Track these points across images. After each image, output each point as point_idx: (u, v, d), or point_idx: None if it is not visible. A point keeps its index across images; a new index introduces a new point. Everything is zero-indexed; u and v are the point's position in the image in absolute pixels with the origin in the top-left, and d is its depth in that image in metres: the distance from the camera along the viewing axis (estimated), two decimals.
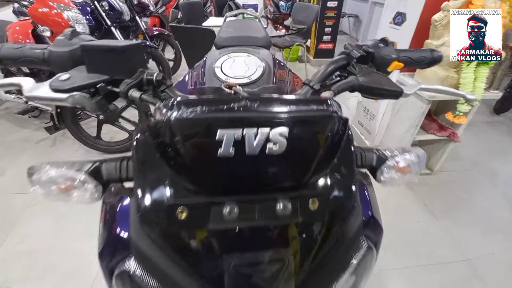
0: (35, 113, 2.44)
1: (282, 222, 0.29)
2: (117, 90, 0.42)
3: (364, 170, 0.43)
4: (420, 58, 0.59)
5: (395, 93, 0.51)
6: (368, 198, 0.38)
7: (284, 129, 0.28)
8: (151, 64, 3.02)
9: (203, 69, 0.71)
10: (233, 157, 0.27)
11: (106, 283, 0.32)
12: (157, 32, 3.24)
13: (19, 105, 2.66)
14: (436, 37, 1.48)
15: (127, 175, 0.35)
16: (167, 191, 0.28)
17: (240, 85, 0.63)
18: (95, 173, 0.34)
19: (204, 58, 0.79)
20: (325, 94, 0.47)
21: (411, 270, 1.44)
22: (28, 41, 1.82)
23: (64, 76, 0.42)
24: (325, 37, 3.96)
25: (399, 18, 1.70)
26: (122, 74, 0.42)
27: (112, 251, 0.30)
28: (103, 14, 2.47)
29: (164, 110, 0.29)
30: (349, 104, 2.77)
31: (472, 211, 1.78)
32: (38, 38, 1.83)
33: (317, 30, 3.90)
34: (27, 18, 1.98)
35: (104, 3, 2.52)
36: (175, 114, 0.28)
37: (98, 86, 0.42)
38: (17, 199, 1.79)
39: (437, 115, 1.89)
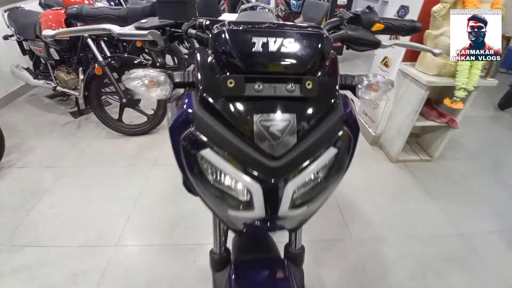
0: (63, 97, 2.64)
1: (289, 95, 0.44)
2: (179, 30, 0.59)
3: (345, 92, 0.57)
4: (401, 26, 0.72)
5: (375, 43, 0.65)
6: (348, 103, 0.51)
7: (292, 39, 0.45)
8: (167, 58, 3.19)
9: None
10: (261, 52, 0.44)
11: (174, 152, 0.47)
12: None
13: (47, 91, 2.89)
14: (435, 27, 1.60)
15: (188, 81, 0.51)
16: (221, 72, 0.45)
17: None
18: (170, 76, 0.50)
19: None
20: None
21: (406, 239, 1.55)
22: (61, 28, 2.02)
23: (143, 20, 0.59)
24: None
25: (403, 11, 1.81)
26: (183, 19, 0.59)
27: (178, 125, 0.45)
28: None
29: (224, 26, 0.45)
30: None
31: (470, 195, 1.87)
32: (71, 26, 2.02)
33: None
34: (58, 8, 2.18)
35: None
36: (229, 27, 0.44)
37: (166, 28, 0.59)
38: (47, 171, 1.98)
39: (437, 104, 1.99)
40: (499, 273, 1.40)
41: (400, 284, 1.34)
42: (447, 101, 1.68)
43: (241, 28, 0.46)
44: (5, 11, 2.46)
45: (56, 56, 2.27)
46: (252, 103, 0.44)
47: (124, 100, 2.17)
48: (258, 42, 0.44)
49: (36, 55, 2.54)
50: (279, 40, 0.44)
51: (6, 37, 2.51)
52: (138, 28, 0.58)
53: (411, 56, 1.82)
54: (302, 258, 0.69)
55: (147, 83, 0.47)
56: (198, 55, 0.48)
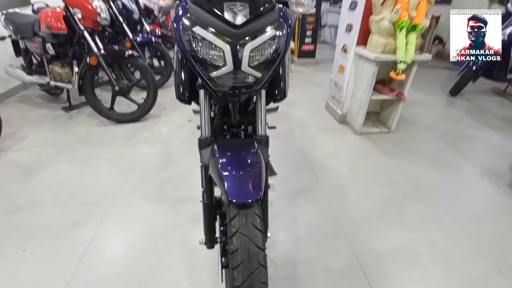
0: (58, 91, 2.83)
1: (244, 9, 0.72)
2: None
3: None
4: None
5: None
6: (284, 9, 0.79)
7: None
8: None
9: None
10: None
11: (175, 36, 0.73)
12: (159, 34, 3.70)
13: (38, 90, 3.05)
14: (377, 13, 1.98)
15: None
16: None
17: None
18: None
19: None
20: None
21: (367, 184, 1.84)
22: (59, 24, 2.26)
23: None
24: (306, 40, 4.53)
25: (353, 5, 2.21)
26: None
27: (180, 13, 0.71)
28: (117, 12, 2.94)
29: None
30: (326, 85, 3.25)
31: (421, 154, 2.20)
32: (68, 22, 2.26)
33: (300, 34, 4.47)
34: (55, 7, 2.42)
35: (118, 2, 3.00)
36: None
37: None
38: (43, 151, 2.13)
39: (389, 83, 2.35)
40: (442, 202, 1.70)
41: (362, 213, 1.59)
42: (392, 74, 2.03)
43: None
44: (2, 14, 2.67)
45: (52, 51, 2.48)
46: (222, 12, 0.72)
47: (116, 88, 2.39)
48: None
49: (30, 53, 2.73)
50: None
51: (2, 38, 2.70)
52: None
53: (363, 40, 2.20)
54: (267, 141, 0.92)
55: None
56: None
